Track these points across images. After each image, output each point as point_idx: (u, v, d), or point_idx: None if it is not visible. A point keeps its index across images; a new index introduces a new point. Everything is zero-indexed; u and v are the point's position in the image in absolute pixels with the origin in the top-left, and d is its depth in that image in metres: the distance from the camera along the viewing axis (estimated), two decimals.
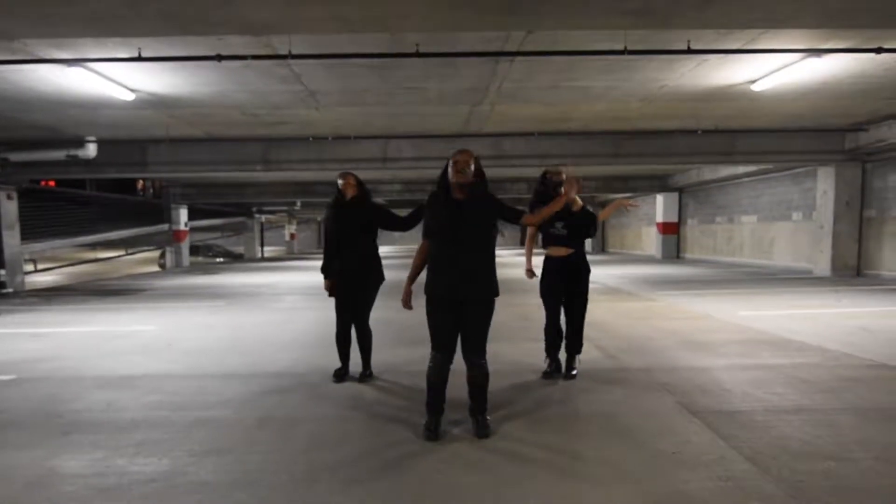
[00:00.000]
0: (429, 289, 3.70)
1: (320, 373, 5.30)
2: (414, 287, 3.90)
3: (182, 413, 4.23)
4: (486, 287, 3.69)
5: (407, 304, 3.87)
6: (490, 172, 14.62)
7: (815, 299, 9.61)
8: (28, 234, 14.28)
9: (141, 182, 30.46)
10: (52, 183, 26.78)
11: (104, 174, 14.23)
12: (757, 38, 6.88)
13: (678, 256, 22.04)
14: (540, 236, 5.12)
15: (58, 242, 16.53)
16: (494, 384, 3.98)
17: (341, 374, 5.11)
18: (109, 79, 8.23)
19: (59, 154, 12.72)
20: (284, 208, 28.84)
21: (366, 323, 5.14)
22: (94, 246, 23.45)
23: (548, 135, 12.05)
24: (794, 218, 15.65)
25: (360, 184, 5.03)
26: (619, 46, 6.67)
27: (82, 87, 8.53)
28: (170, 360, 5.90)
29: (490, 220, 3.75)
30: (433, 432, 3.70)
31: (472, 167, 3.67)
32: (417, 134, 12.14)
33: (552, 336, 5.07)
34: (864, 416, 3.93)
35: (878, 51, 6.82)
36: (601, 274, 15.02)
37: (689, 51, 6.73)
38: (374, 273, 5.05)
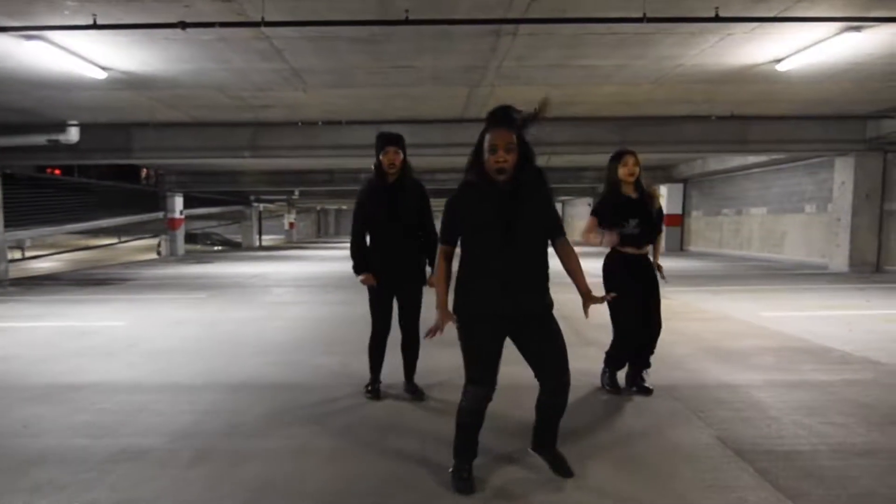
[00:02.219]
0: (465, 305, 2.74)
1: (291, 386, 4.41)
2: None
3: (107, 441, 3.35)
4: (546, 296, 2.83)
5: (442, 328, 2.78)
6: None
7: (840, 298, 8.66)
8: (13, 221, 13.42)
9: (145, 170, 29.61)
10: (57, 171, 25.86)
11: (89, 160, 13.34)
12: (793, 6, 5.91)
13: (682, 249, 21.06)
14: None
15: (46, 230, 15.62)
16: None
17: (377, 390, 4.16)
18: (75, 54, 7.29)
19: (40, 139, 11.80)
20: (283, 197, 27.91)
21: (417, 326, 4.10)
22: (96, 233, 22.61)
23: (551, 121, 10.98)
24: (807, 210, 14.63)
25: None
26: (637, 14, 5.69)
27: (48, 64, 7.61)
28: (126, 365, 5.10)
29: (547, 212, 2.82)
30: (467, 481, 2.77)
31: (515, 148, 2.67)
32: (413, 119, 11.12)
33: (634, 345, 4.17)
34: None
35: None
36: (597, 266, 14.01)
37: (717, 18, 5.73)
38: (423, 265, 4.13)
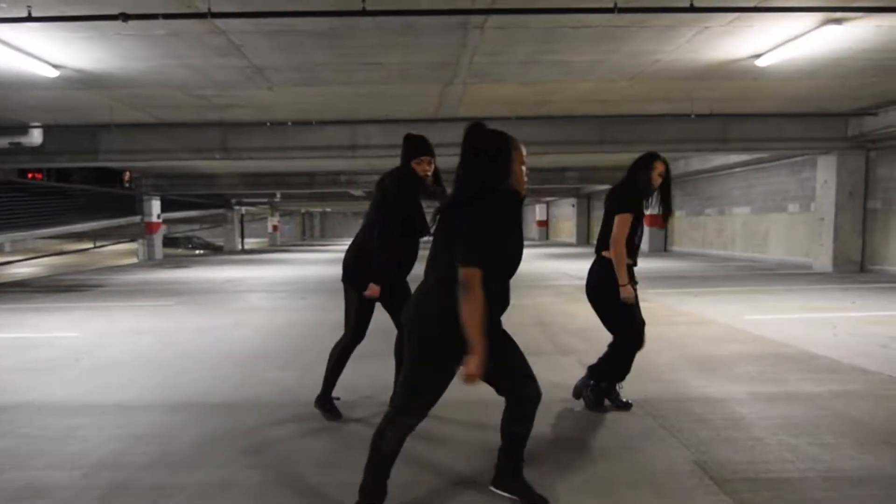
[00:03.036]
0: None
1: (238, 404, 3.98)
2: None
3: (11, 475, 2.92)
4: None
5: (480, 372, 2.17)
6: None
7: (825, 300, 8.34)
8: None
9: (127, 174, 28.95)
10: (38, 176, 25.15)
11: (54, 163, 12.85)
12: None
13: (665, 249, 20.77)
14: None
15: (18, 234, 15.11)
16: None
17: (335, 409, 3.72)
18: (22, 51, 6.84)
19: (2, 142, 11.32)
20: (265, 200, 27.34)
21: None
22: (79, 237, 21.95)
23: (527, 119, 10.64)
24: (790, 209, 14.35)
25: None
26: (609, 3, 5.31)
27: None
28: (66, 381, 4.64)
29: None
30: None
31: None
32: (387, 118, 10.70)
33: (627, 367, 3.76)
34: None
35: None
36: (582, 269, 13.64)
37: (693, 8, 5.35)
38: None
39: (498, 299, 2.31)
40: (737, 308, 7.62)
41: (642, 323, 3.70)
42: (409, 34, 6.47)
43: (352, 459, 3.06)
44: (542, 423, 3.45)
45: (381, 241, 3.44)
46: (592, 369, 3.79)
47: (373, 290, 3.49)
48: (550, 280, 11.86)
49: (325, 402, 3.70)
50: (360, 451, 3.11)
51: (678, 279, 11.51)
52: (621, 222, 3.56)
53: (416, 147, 3.55)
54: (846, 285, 9.95)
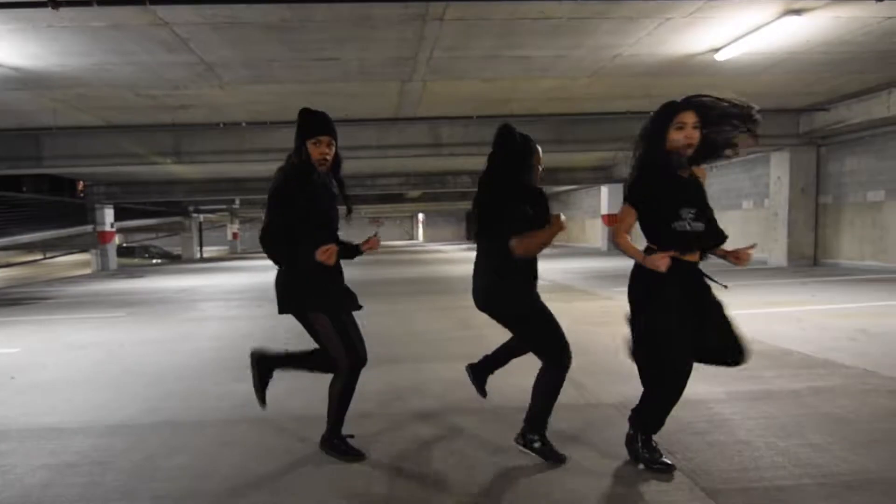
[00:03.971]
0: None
1: (180, 425, 3.52)
2: None
3: None
4: None
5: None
6: (429, 163, 12.66)
7: (786, 294, 8.26)
8: None
9: (81, 183, 27.60)
10: None
11: None
12: None
13: None
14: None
15: None
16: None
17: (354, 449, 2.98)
18: None
19: None
20: (223, 207, 26.41)
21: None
22: (28, 248, 20.75)
23: (488, 118, 10.33)
24: (744, 206, 14.45)
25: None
26: None
27: None
28: None
29: None
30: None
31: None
32: (345, 118, 10.24)
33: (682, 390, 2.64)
34: None
35: None
36: (549, 269, 13.50)
37: None
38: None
39: (533, 275, 2.88)
40: None
41: (690, 363, 2.63)
42: (365, 27, 6.09)
43: (301, 483, 2.67)
44: (511, 431, 3.14)
45: (273, 238, 2.79)
46: (633, 411, 2.82)
47: (326, 251, 2.67)
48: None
49: (337, 443, 2.97)
50: (307, 474, 2.77)
51: None
52: (621, 213, 2.69)
53: (311, 125, 2.84)
54: (803, 279, 9.96)
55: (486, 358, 3.30)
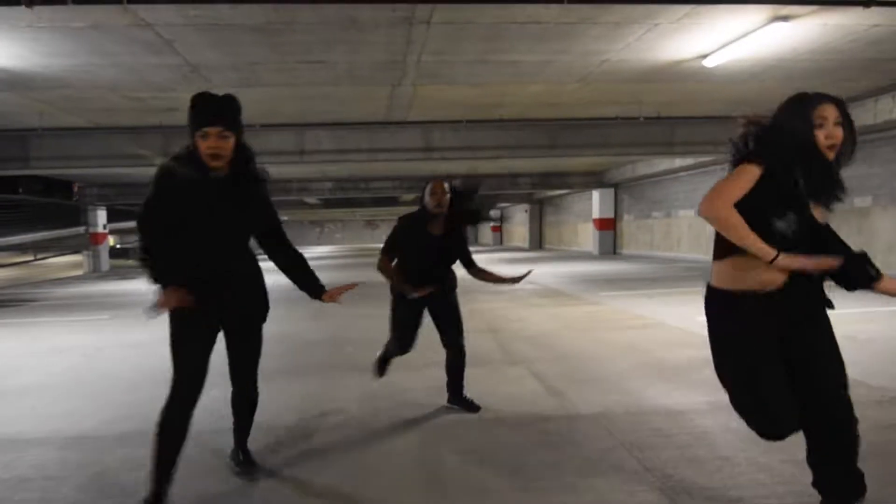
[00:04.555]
0: None
1: (143, 435, 3.35)
2: None
3: None
4: None
5: None
6: (421, 167, 12.47)
7: None
8: None
9: (76, 185, 27.35)
10: None
11: None
12: None
13: (615, 252, 20.77)
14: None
15: None
16: None
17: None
18: None
19: None
20: None
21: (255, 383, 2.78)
22: (20, 249, 20.48)
23: (479, 123, 10.29)
24: None
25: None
26: None
27: None
28: None
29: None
30: None
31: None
32: (336, 122, 10.17)
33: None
34: None
35: (868, 3, 5.29)
36: (540, 273, 13.39)
37: None
38: (263, 297, 2.69)
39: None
40: (687, 310, 7.34)
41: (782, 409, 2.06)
42: (352, 30, 5.97)
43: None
44: (478, 442, 3.01)
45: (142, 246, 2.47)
46: None
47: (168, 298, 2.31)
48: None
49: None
50: (269, 488, 2.61)
51: (627, 281, 11.31)
52: (733, 175, 1.97)
53: (198, 114, 2.34)
54: None
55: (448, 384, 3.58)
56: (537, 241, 29.36)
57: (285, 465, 2.90)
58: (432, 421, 3.52)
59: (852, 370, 4.20)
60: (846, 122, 1.97)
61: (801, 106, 2.02)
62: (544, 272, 13.71)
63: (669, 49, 6.96)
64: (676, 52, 7.12)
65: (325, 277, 2.91)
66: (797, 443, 3.00)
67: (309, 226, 48.43)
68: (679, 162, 14.32)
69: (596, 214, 20.72)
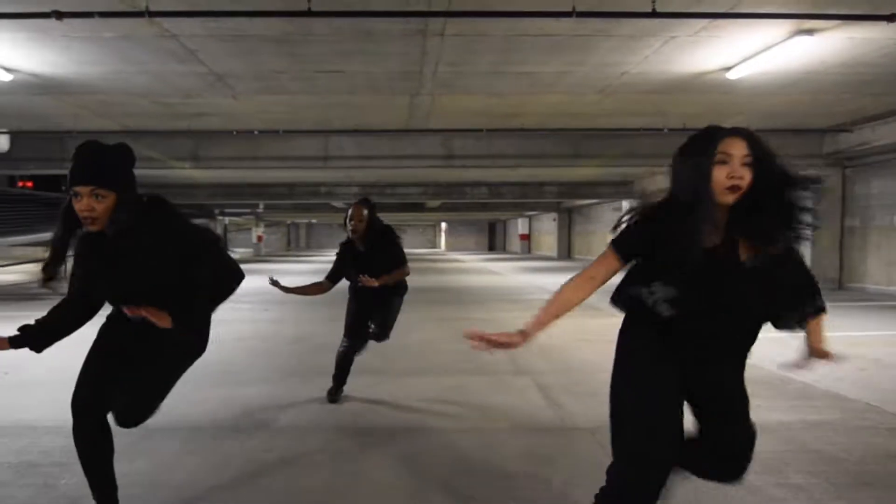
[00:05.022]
0: None
1: (149, 428, 3.48)
2: None
3: None
4: None
5: None
6: (445, 174, 12.59)
7: None
8: None
9: None
10: (29, 184, 24.45)
11: (23, 170, 12.43)
12: (739, 2, 5.25)
13: None
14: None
15: None
16: None
17: None
18: None
19: None
20: (248, 210, 26.79)
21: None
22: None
23: (500, 132, 10.32)
24: None
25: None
26: (567, 8, 4.95)
27: None
28: None
29: None
30: None
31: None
32: (358, 129, 10.34)
33: (647, 481, 1.76)
34: None
35: (892, 18, 5.16)
36: (559, 284, 13.27)
37: (654, 14, 5.01)
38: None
39: None
40: None
41: (659, 444, 1.77)
42: (367, 41, 6.09)
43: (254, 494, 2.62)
44: (469, 451, 3.04)
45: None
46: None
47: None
48: (524, 294, 11.47)
49: None
50: (264, 486, 2.65)
51: None
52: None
53: (71, 171, 2.02)
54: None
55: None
56: (566, 251, 29.12)
57: (280, 463, 2.99)
58: (427, 428, 3.57)
59: (869, 394, 4.14)
60: (760, 161, 1.68)
61: (704, 140, 1.73)
62: (562, 283, 13.58)
63: (690, 61, 6.89)
64: (698, 65, 7.04)
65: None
66: (797, 467, 2.97)
67: (337, 228, 49.19)
68: None
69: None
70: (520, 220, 36.37)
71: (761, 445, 3.14)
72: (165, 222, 2.18)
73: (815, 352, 1.96)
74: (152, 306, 2.10)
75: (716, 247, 1.71)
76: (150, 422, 3.57)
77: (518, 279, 15.28)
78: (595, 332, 6.94)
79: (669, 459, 1.80)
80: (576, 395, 4.18)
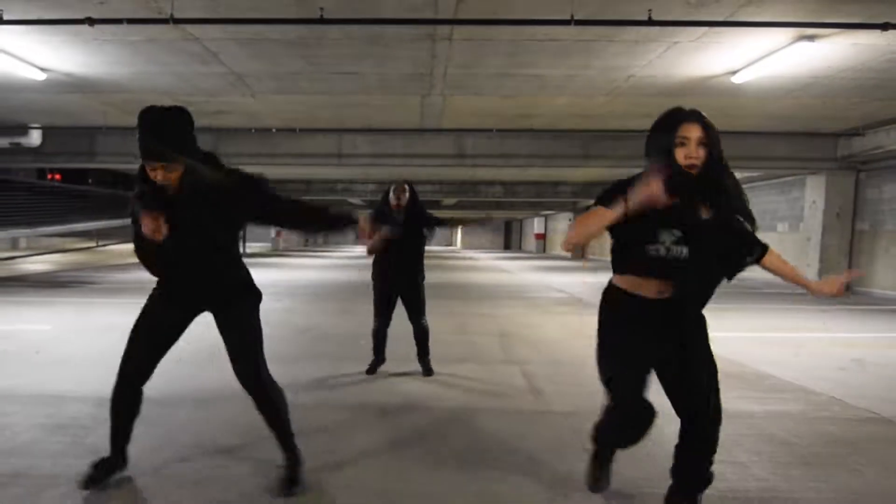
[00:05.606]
0: None
1: (161, 401, 3.91)
2: None
3: None
4: None
5: None
6: (460, 173, 13.01)
7: (798, 320, 8.19)
8: None
9: None
10: (58, 177, 25.46)
11: (53, 163, 13.12)
12: (737, 11, 5.50)
13: None
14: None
15: (15, 232, 15.33)
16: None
17: None
18: (8, 53, 6.99)
19: (2, 142, 11.55)
20: None
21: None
22: (85, 236, 22.18)
23: (511, 132, 10.65)
24: (779, 229, 14.16)
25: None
26: (566, 16, 5.27)
27: None
28: (15, 373, 4.65)
29: None
30: None
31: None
32: (372, 128, 10.75)
33: (632, 427, 2.41)
34: None
35: (885, 27, 5.37)
36: (570, 282, 13.59)
37: (651, 22, 5.31)
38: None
39: None
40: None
41: (637, 396, 2.32)
42: (378, 45, 6.48)
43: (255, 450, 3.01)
44: (447, 424, 3.37)
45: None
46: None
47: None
48: (532, 292, 11.78)
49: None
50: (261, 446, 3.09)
51: None
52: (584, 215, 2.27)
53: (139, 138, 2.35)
54: (827, 306, 9.74)
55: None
56: (580, 251, 29.19)
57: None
58: (417, 406, 3.94)
59: (839, 390, 4.38)
60: (710, 142, 2.11)
61: (667, 122, 2.18)
62: (573, 282, 13.87)
63: (695, 65, 7.13)
64: (703, 69, 7.28)
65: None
66: (745, 448, 3.25)
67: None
68: None
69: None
70: (535, 220, 36.62)
71: (723, 432, 3.47)
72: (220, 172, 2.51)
73: (816, 290, 2.36)
74: (206, 259, 2.54)
75: (685, 205, 2.17)
76: (167, 389, 4.03)
77: (527, 277, 15.55)
78: (589, 328, 7.21)
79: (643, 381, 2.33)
80: (557, 384, 4.50)
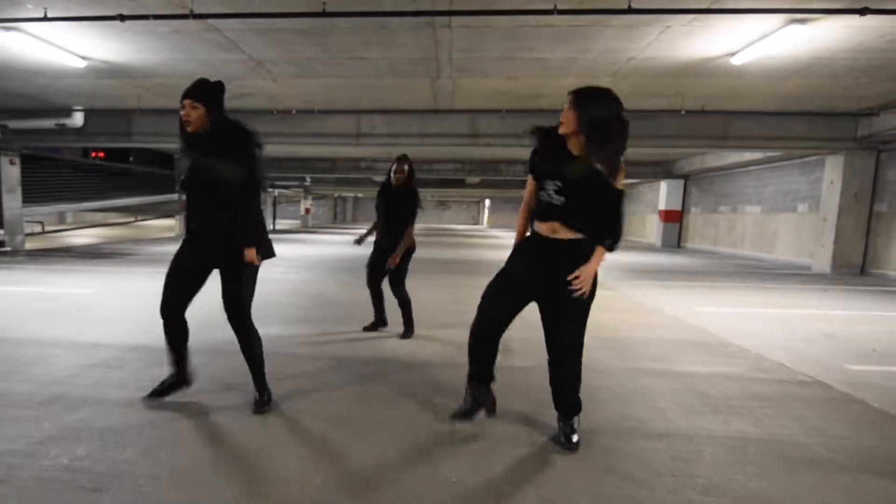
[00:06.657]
0: None
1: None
2: None
3: None
4: None
5: None
6: (479, 152, 13.67)
7: (795, 297, 8.49)
8: (31, 198, 14.34)
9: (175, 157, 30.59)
10: (101, 154, 26.89)
11: (94, 143, 14.07)
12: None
13: (679, 245, 20.61)
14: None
15: (61, 207, 16.57)
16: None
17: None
18: (52, 44, 7.84)
19: (49, 122, 12.63)
20: (297, 183, 28.53)
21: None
22: (124, 211, 23.56)
23: (522, 112, 11.08)
24: (799, 210, 14.20)
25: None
26: (549, 6, 5.73)
27: (35, 54, 8.25)
28: (59, 325, 5.48)
29: None
30: None
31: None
32: (389, 109, 11.34)
33: (486, 336, 3.11)
34: (741, 452, 3.03)
35: (863, 12, 5.65)
36: None
37: (630, 10, 5.72)
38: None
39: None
40: (695, 300, 7.89)
41: (497, 312, 3.06)
42: (383, 32, 7.03)
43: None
44: (418, 374, 3.96)
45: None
46: None
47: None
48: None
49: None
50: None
51: (667, 273, 11.72)
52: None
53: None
54: (831, 286, 9.95)
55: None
56: None
57: (288, 378, 4.07)
58: (388, 360, 4.58)
59: (791, 358, 4.76)
60: (578, 108, 2.72)
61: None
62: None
63: (692, 48, 7.44)
64: (702, 51, 7.57)
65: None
66: (665, 395, 3.74)
67: None
68: (748, 155, 14.23)
69: (662, 206, 20.61)
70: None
71: (654, 385, 4.00)
72: (235, 133, 3.32)
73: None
74: (216, 195, 3.23)
75: (548, 159, 2.86)
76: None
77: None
78: None
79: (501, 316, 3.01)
80: (527, 345, 5.01)
